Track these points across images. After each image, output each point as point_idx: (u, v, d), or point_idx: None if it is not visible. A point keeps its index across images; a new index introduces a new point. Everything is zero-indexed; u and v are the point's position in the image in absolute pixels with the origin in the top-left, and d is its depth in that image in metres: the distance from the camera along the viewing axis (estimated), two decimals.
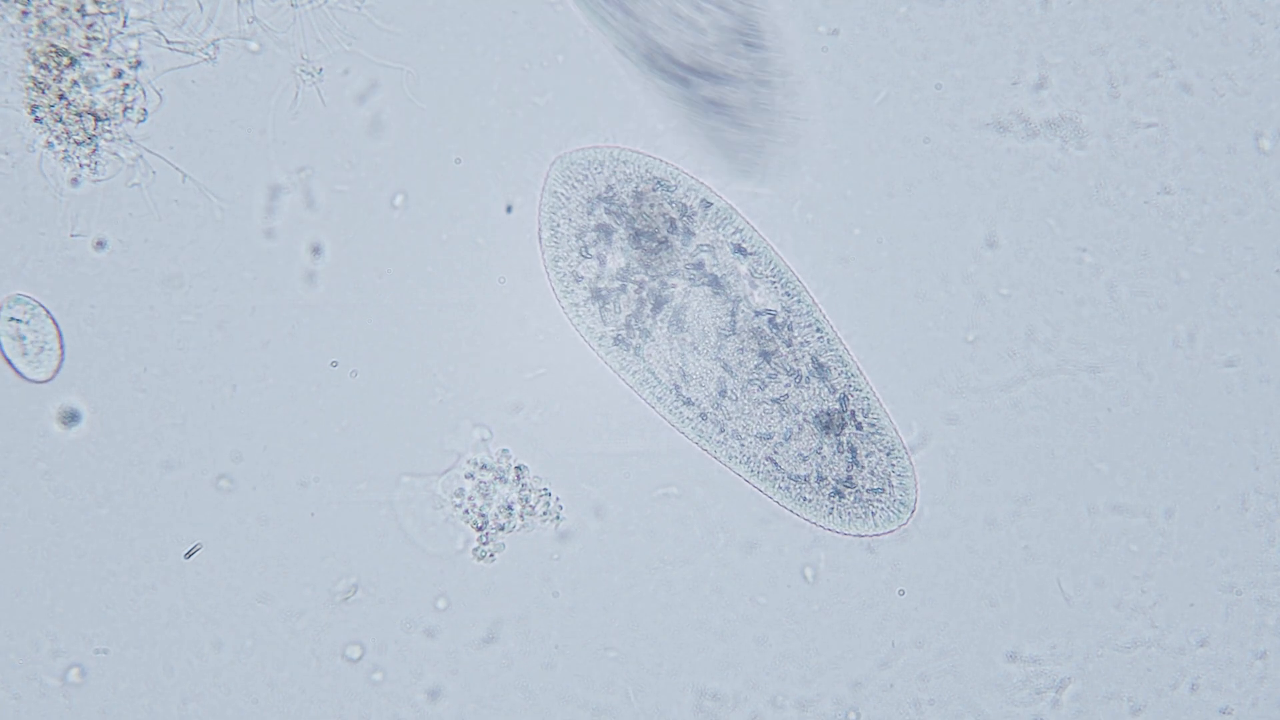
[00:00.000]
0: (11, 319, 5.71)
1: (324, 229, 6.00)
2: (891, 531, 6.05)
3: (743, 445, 5.97)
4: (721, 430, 5.95)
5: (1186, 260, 6.13)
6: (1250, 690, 6.25)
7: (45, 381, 5.91)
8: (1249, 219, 6.13)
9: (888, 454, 5.99)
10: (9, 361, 5.75)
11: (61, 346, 5.88)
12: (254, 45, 5.91)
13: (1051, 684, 6.20)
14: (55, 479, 6.06)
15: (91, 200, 5.93)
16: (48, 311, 5.74)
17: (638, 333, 5.73)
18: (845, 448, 5.96)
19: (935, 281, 6.09)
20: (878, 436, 5.99)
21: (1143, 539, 6.18)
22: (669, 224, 5.62)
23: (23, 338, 5.84)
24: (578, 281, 5.83)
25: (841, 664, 6.18)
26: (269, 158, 5.95)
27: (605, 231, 5.67)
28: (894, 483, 6.02)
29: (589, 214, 5.80)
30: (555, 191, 5.87)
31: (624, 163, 5.89)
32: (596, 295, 5.77)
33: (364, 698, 6.14)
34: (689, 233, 5.70)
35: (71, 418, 6.02)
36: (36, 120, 5.84)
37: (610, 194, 5.78)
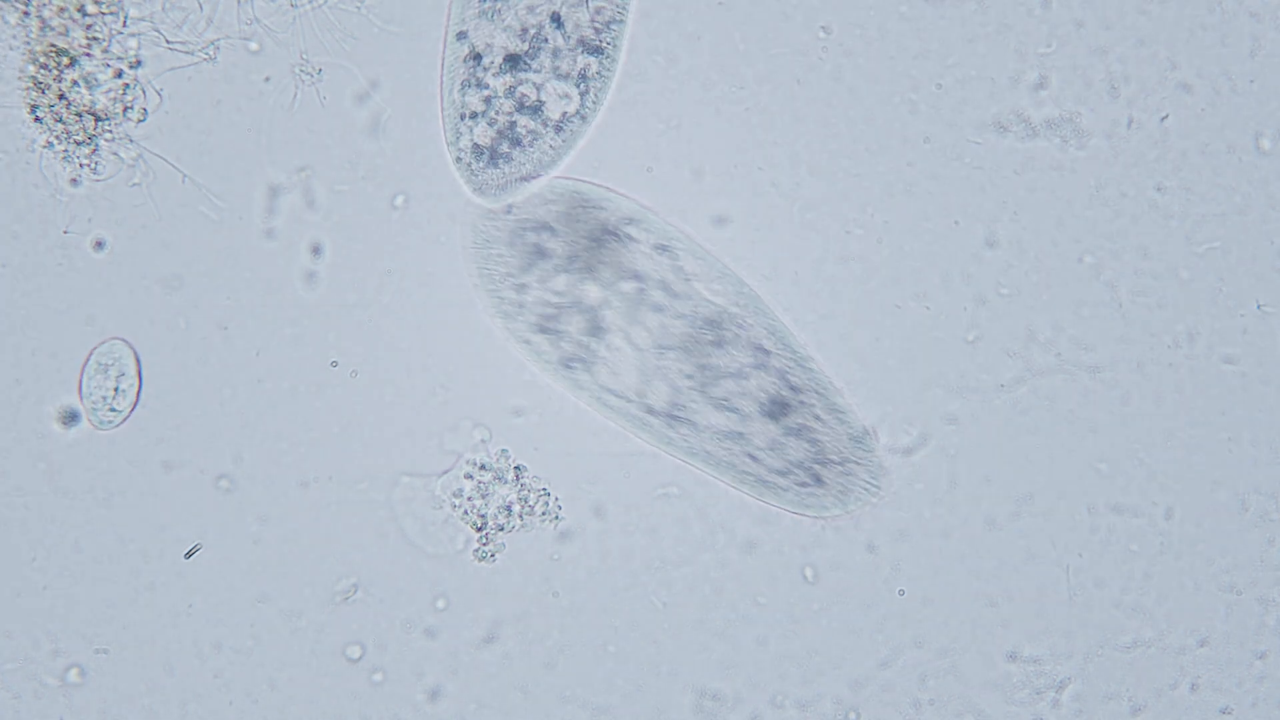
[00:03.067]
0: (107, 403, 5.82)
1: (324, 229, 6.00)
2: (872, 500, 6.03)
3: (712, 451, 5.97)
4: (692, 437, 5.96)
5: (1186, 260, 6.13)
6: (1250, 690, 6.25)
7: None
8: (1249, 219, 6.13)
9: (842, 425, 5.97)
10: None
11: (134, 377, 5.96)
12: (254, 45, 5.91)
13: (1051, 684, 6.20)
14: (55, 479, 6.06)
15: (91, 200, 5.94)
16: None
17: (586, 354, 5.77)
18: (798, 430, 5.94)
19: (935, 281, 6.09)
20: (830, 410, 5.96)
21: (1143, 539, 6.18)
22: (597, 241, 5.64)
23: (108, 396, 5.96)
24: (520, 310, 5.85)
25: (841, 664, 6.18)
26: (269, 158, 5.95)
27: (537, 255, 5.70)
28: (857, 454, 6.00)
29: (512, 245, 5.83)
30: (477, 232, 5.89)
31: (537, 194, 5.91)
32: (543, 327, 5.81)
33: (364, 698, 6.15)
34: (627, 237, 5.71)
35: (71, 418, 6.02)
36: (36, 120, 5.84)
37: (535, 221, 5.81)
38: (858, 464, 6.01)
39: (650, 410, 5.92)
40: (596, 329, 5.78)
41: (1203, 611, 6.21)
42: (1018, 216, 6.10)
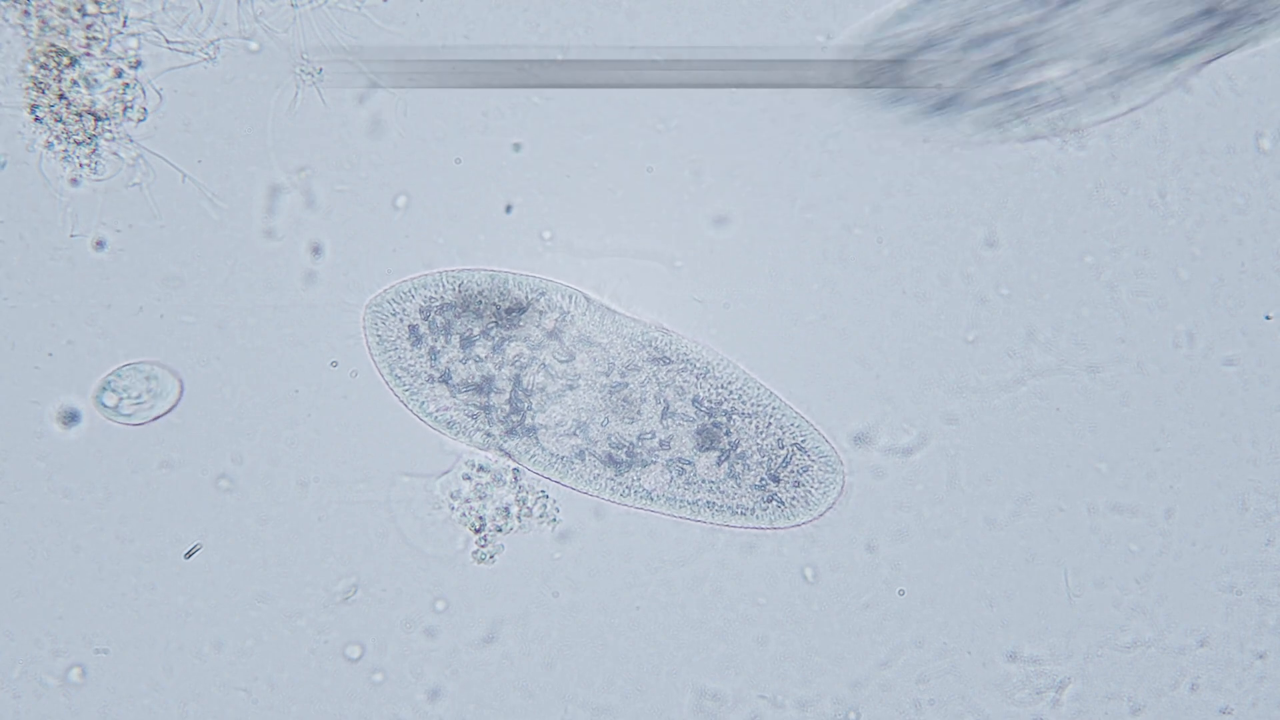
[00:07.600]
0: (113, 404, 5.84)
1: (324, 229, 6.01)
2: (835, 499, 6.03)
3: (670, 500, 6.02)
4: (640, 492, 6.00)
5: (1186, 260, 6.13)
6: (1250, 690, 6.25)
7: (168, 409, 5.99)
8: (1249, 219, 6.13)
9: (777, 427, 5.97)
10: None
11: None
12: (254, 45, 5.91)
13: (1051, 684, 6.20)
14: (55, 479, 6.07)
15: (91, 200, 5.94)
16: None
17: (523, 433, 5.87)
18: (732, 451, 5.96)
19: (935, 281, 6.09)
20: (758, 419, 5.96)
21: (1143, 539, 6.18)
22: (495, 315, 5.70)
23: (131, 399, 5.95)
24: (445, 422, 5.92)
25: (841, 664, 6.18)
26: (269, 157, 5.96)
27: (436, 354, 5.76)
28: (806, 447, 5.99)
29: (415, 348, 5.88)
30: (380, 338, 5.94)
31: (424, 286, 5.94)
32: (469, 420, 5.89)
33: (364, 698, 6.15)
34: (522, 310, 5.77)
35: (71, 418, 6.02)
36: (36, 120, 5.85)
37: (430, 307, 5.88)
38: (807, 456, 6.01)
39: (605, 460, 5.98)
40: (521, 408, 5.88)
41: (1203, 611, 6.21)
42: (1018, 216, 6.10)
